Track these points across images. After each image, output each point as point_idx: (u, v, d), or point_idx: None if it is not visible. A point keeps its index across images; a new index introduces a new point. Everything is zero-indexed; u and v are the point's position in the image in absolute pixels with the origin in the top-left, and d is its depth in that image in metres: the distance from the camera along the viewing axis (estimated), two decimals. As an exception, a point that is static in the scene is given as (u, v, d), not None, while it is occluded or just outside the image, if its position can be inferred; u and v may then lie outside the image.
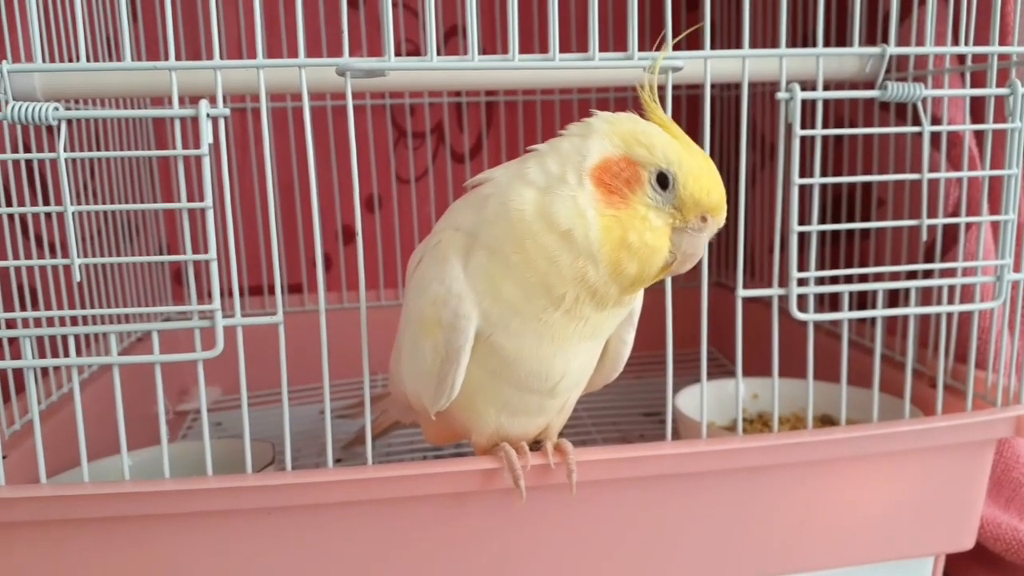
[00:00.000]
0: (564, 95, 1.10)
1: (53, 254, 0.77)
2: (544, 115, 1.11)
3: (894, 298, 0.63)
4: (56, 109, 0.48)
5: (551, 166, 0.47)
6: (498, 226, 0.48)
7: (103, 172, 0.88)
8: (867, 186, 0.82)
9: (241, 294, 0.53)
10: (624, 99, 1.12)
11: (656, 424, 0.92)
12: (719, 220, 0.47)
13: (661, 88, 0.53)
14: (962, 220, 0.63)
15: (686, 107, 1.12)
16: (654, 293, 0.55)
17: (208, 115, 0.49)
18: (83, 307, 0.79)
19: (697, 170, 0.46)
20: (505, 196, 0.48)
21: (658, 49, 0.52)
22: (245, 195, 1.05)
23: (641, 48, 0.53)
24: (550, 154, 0.48)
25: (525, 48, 0.51)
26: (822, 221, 0.57)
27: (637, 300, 0.53)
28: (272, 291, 1.07)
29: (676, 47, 0.52)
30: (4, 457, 0.56)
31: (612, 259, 0.45)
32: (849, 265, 0.84)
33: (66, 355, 0.53)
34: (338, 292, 1.09)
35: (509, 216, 0.47)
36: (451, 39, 1.07)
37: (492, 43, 1.07)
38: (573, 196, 0.45)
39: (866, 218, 0.82)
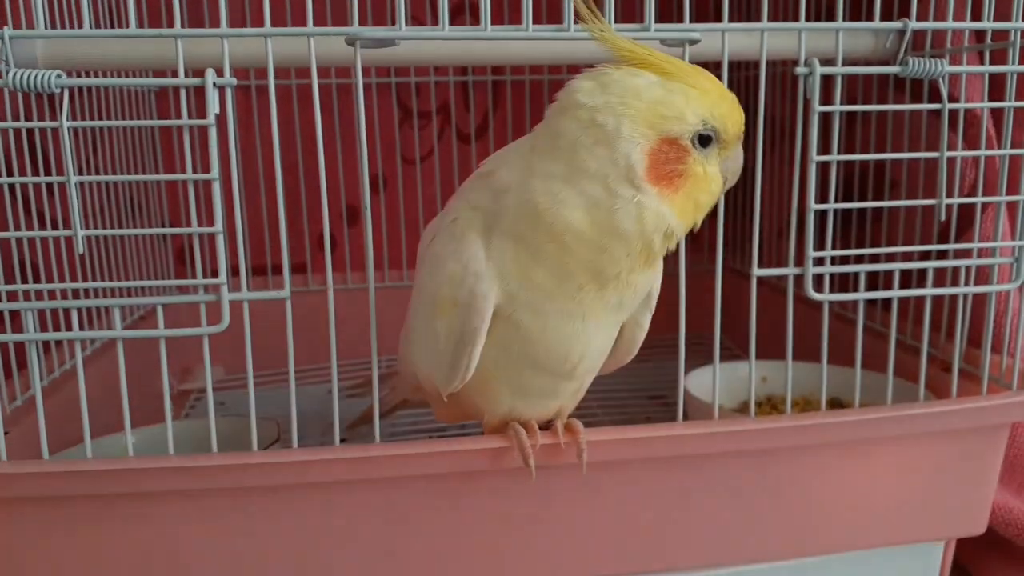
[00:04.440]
0: (573, 74, 1.08)
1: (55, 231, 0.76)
2: (551, 94, 1.09)
3: (906, 281, 0.62)
4: (59, 76, 0.47)
5: (588, 187, 0.45)
6: (524, 222, 0.46)
7: (105, 148, 0.87)
8: (880, 168, 0.81)
9: (241, 272, 0.52)
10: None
11: (660, 407, 0.92)
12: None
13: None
14: (979, 200, 0.62)
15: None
16: (664, 277, 0.54)
17: (215, 84, 0.48)
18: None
19: (726, 108, 0.46)
20: (531, 198, 0.46)
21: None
22: (248, 174, 1.03)
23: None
24: (577, 175, 0.45)
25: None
26: (836, 203, 0.56)
27: (656, 283, 0.52)
28: (275, 271, 1.06)
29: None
30: (6, 433, 0.56)
31: (687, 223, 0.47)
32: (862, 247, 0.83)
33: (69, 330, 0.52)
34: (342, 272, 1.08)
35: (542, 219, 0.45)
36: (457, 16, 1.06)
37: (499, 22, 1.05)
38: (638, 205, 0.44)
39: (879, 200, 0.81)
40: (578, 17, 0.47)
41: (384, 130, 1.08)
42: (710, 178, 0.47)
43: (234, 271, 0.52)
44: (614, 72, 0.46)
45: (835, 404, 0.75)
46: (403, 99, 1.09)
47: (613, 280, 0.47)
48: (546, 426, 0.55)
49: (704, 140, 0.46)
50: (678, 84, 0.45)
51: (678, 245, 0.55)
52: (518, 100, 1.10)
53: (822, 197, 0.56)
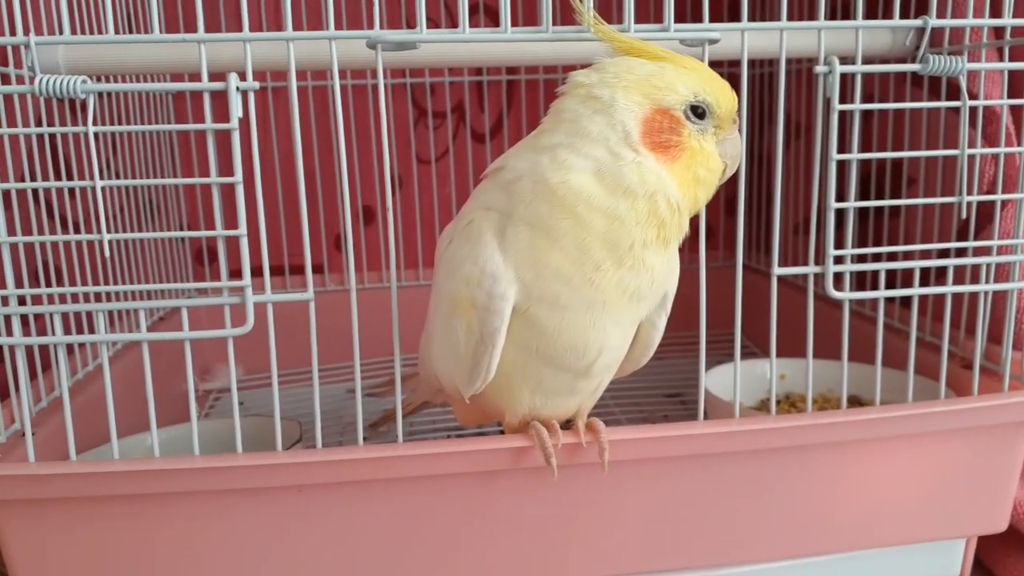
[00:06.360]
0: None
1: (77, 234, 0.77)
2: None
3: (924, 279, 0.62)
4: (84, 82, 0.48)
5: (592, 150, 0.47)
6: (540, 204, 0.47)
7: (124, 152, 0.88)
8: (897, 165, 0.81)
9: (264, 273, 0.52)
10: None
11: (677, 405, 0.92)
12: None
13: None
14: (998, 197, 0.62)
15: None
16: (683, 274, 0.54)
17: (237, 88, 0.49)
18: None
19: (718, 86, 0.49)
20: (542, 176, 0.47)
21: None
22: (265, 176, 1.04)
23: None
24: (581, 140, 0.47)
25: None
26: (853, 200, 0.56)
27: (672, 284, 0.52)
28: (293, 271, 1.06)
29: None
30: (33, 434, 0.56)
31: (690, 199, 0.48)
32: (878, 245, 0.83)
33: (92, 332, 0.52)
34: (358, 272, 1.09)
35: (555, 194, 0.47)
36: (471, 17, 1.06)
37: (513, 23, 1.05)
38: (639, 166, 0.47)
39: (896, 198, 0.80)
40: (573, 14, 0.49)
41: (399, 130, 1.08)
42: (707, 154, 0.48)
43: (254, 272, 0.52)
44: (610, 59, 0.49)
45: (853, 402, 0.75)
46: (418, 99, 1.09)
47: (628, 254, 0.47)
48: (566, 425, 0.55)
49: (698, 114, 0.48)
50: (669, 64, 0.48)
51: (697, 243, 0.55)
52: (532, 100, 1.11)
53: (840, 195, 0.56)
